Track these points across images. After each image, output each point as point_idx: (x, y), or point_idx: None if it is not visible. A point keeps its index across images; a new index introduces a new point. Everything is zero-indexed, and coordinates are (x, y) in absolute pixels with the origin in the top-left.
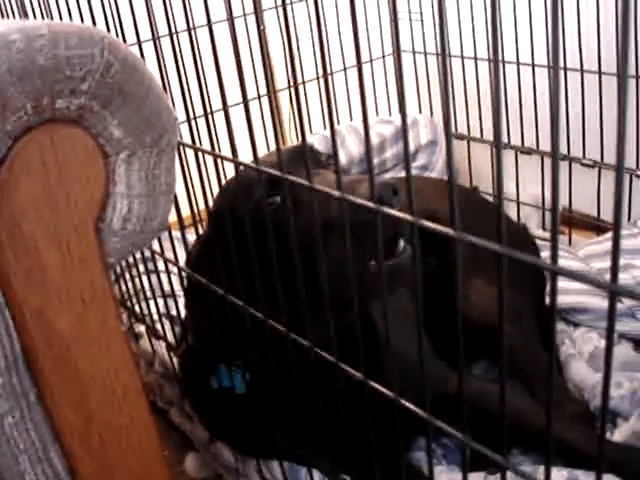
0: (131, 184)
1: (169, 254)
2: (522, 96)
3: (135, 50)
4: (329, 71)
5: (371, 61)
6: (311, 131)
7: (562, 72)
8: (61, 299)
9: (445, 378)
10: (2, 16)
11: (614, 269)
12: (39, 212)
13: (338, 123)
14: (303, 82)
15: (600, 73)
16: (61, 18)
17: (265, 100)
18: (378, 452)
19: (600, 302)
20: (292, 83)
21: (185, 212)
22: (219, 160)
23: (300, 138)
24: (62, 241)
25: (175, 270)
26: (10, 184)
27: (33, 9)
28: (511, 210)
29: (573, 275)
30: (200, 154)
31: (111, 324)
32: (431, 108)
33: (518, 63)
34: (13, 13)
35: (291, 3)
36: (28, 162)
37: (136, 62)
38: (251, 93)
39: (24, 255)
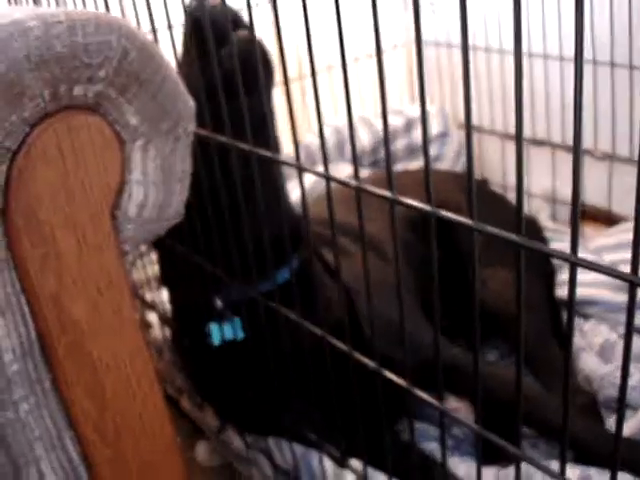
0: (147, 171)
1: None
2: (533, 87)
3: (150, 37)
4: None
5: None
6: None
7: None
8: (76, 286)
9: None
10: (15, 3)
11: (635, 261)
12: (55, 199)
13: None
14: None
15: (612, 65)
16: (75, 6)
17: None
18: (366, 426)
19: (610, 295)
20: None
21: None
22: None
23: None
24: (78, 228)
25: None
26: (27, 171)
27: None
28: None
29: (593, 266)
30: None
31: (126, 312)
32: (441, 99)
33: (529, 54)
34: (26, 0)
35: None
36: (45, 149)
37: (153, 50)
38: None
39: (40, 242)
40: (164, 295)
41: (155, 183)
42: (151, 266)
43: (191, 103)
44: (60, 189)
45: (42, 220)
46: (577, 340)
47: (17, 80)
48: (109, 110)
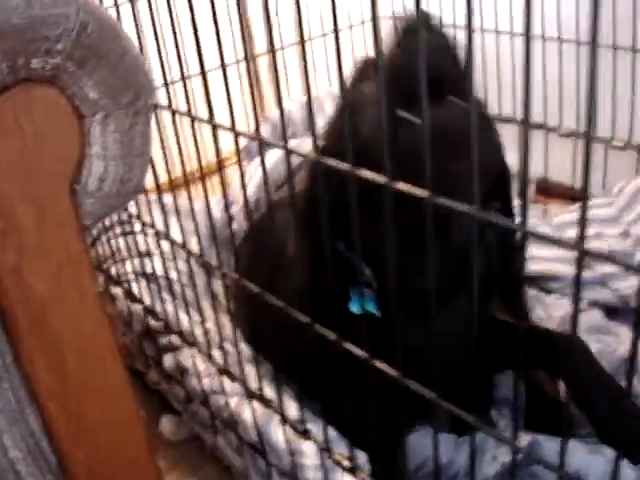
0: (107, 146)
1: (146, 218)
2: (499, 64)
3: (113, 12)
4: (307, 37)
5: (350, 27)
6: (289, 97)
7: (540, 41)
8: (37, 259)
9: None
10: None
11: (582, 232)
12: (14, 173)
13: (317, 89)
14: (282, 47)
15: (578, 42)
16: None
17: (244, 65)
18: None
19: (571, 270)
20: (270, 49)
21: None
22: (196, 123)
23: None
24: (38, 202)
25: (151, 232)
26: None
27: None
28: None
29: (542, 236)
30: (177, 117)
31: (86, 286)
32: None
33: (496, 31)
34: None
35: None
36: (3, 122)
37: (112, 23)
38: (230, 58)
39: (0, 216)
40: (128, 267)
41: (115, 157)
42: (115, 240)
43: (151, 76)
44: (18, 162)
45: (2, 194)
46: (539, 312)
47: None
48: (67, 83)
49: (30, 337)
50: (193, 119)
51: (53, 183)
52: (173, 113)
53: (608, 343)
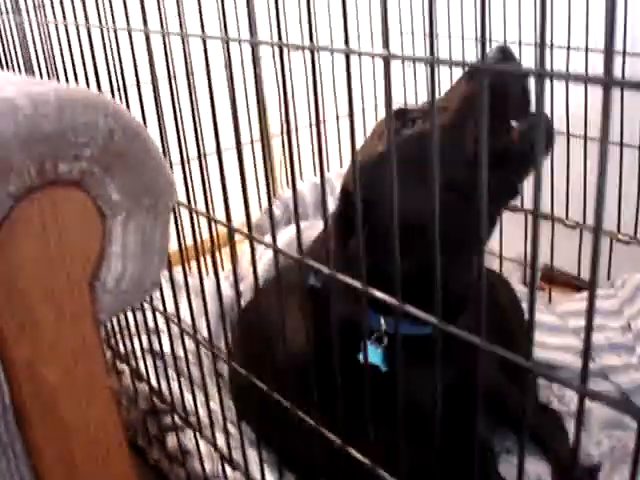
0: (126, 245)
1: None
2: None
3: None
4: (321, 119)
5: (363, 111)
6: (302, 178)
7: None
8: (52, 353)
9: None
10: (7, 68)
11: (584, 371)
12: (36, 271)
13: (328, 170)
14: (296, 128)
15: (585, 137)
16: (66, 74)
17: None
18: None
19: (576, 360)
20: (285, 129)
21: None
22: (213, 223)
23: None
24: (56, 298)
25: (160, 307)
26: (9, 244)
27: (39, 62)
28: (494, 265)
29: (546, 375)
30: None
31: (98, 379)
32: None
33: None
34: (19, 65)
35: (288, 52)
36: (28, 223)
37: (138, 128)
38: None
39: (19, 311)
40: (136, 344)
41: (134, 256)
42: (124, 315)
43: (172, 179)
44: (41, 260)
45: (21, 290)
46: (558, 406)
47: (4, 157)
48: (92, 186)
49: (40, 426)
50: (211, 220)
51: (73, 280)
52: (191, 212)
53: (619, 438)
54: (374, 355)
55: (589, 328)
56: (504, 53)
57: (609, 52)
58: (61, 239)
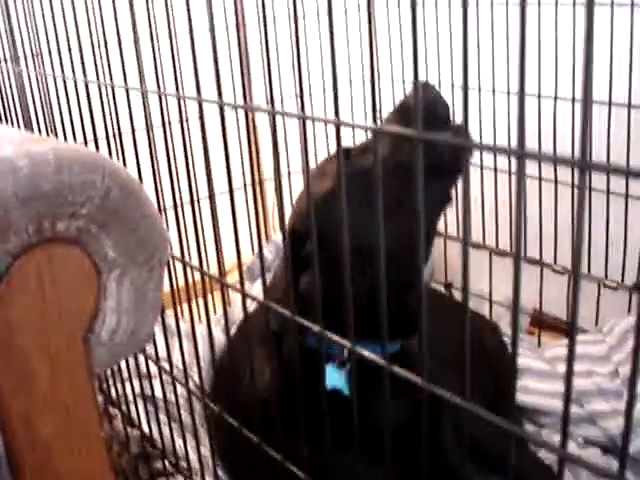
0: (121, 299)
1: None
2: (498, 201)
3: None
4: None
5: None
6: None
7: (536, 181)
8: (46, 405)
9: None
10: (7, 122)
11: (564, 434)
12: (32, 325)
13: None
14: (289, 174)
15: (573, 186)
16: (64, 129)
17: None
18: None
19: (560, 405)
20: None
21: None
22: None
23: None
24: (52, 352)
25: (152, 354)
26: (6, 300)
27: (37, 118)
28: (484, 310)
29: (531, 439)
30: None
31: (92, 429)
32: None
33: (495, 169)
34: (17, 121)
35: (281, 100)
36: (25, 279)
37: (133, 187)
38: (237, 181)
39: (15, 364)
40: (128, 389)
41: (128, 310)
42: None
43: (166, 235)
44: (37, 316)
45: (18, 345)
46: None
47: (3, 216)
48: (89, 243)
49: (34, 477)
50: (204, 275)
51: (68, 334)
52: (185, 265)
53: None
54: (337, 379)
55: (567, 397)
56: (426, 91)
57: (521, 126)
58: (57, 295)
